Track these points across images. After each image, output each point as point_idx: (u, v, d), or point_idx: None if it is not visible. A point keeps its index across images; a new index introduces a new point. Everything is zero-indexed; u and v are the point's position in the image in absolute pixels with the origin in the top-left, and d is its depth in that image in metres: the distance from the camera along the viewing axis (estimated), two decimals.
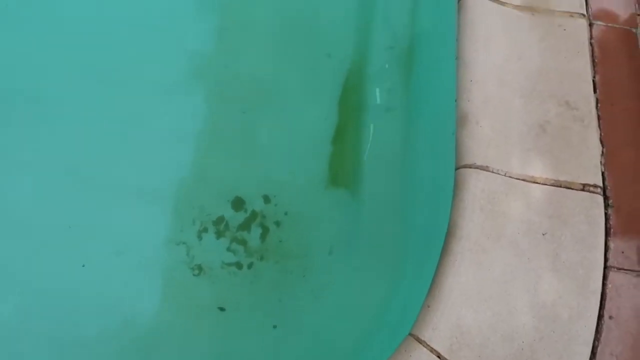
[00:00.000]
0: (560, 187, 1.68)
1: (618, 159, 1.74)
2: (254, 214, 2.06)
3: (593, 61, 1.92)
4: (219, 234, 2.03)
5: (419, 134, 2.16)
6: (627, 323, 1.51)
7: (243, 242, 2.02)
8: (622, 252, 1.60)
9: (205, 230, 2.03)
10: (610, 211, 1.66)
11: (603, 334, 1.49)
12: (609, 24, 2.01)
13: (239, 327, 1.91)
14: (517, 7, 2.01)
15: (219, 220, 2.05)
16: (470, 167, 1.69)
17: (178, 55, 2.33)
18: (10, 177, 2.08)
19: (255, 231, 2.04)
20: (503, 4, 2.01)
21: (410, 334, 1.47)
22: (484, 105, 1.80)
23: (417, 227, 1.96)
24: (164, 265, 1.98)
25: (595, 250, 1.59)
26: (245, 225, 2.05)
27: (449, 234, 1.60)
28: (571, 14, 2.01)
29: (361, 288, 1.94)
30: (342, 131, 2.22)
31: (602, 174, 1.71)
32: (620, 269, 1.58)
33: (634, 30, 2.00)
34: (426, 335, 1.46)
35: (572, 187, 1.68)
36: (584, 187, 1.68)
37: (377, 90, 2.31)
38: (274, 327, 1.90)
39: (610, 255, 1.59)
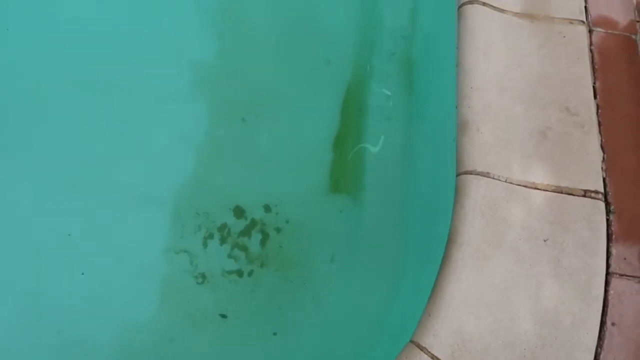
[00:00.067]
0: (562, 193, 1.68)
1: (619, 165, 1.73)
2: (254, 222, 2.06)
3: (593, 67, 1.92)
4: (221, 240, 2.03)
5: (420, 140, 2.16)
6: (630, 330, 1.49)
7: (244, 249, 2.01)
8: (625, 259, 1.59)
9: (208, 237, 2.03)
10: (612, 217, 1.65)
11: (605, 341, 1.47)
12: (609, 31, 2.01)
13: (239, 334, 1.90)
14: (516, 14, 2.02)
15: (221, 228, 2.04)
16: (471, 174, 1.69)
17: (179, 63, 2.34)
18: (10, 183, 2.08)
19: (256, 238, 2.03)
20: (503, 11, 2.02)
21: (412, 341, 1.46)
22: (484, 112, 1.80)
23: (418, 234, 1.95)
24: (164, 273, 1.97)
25: (597, 256, 1.58)
26: (245, 232, 2.04)
27: (449, 241, 1.60)
28: (571, 21, 2.01)
29: (362, 295, 1.93)
30: (343, 138, 2.22)
31: (604, 179, 1.70)
32: (622, 275, 1.56)
33: (633, 36, 2.00)
34: (427, 342, 1.45)
35: (574, 193, 1.68)
36: (586, 193, 1.67)
37: (378, 97, 2.31)
38: (274, 334, 1.89)
39: (612, 261, 1.58)
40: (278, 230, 2.05)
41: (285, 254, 2.01)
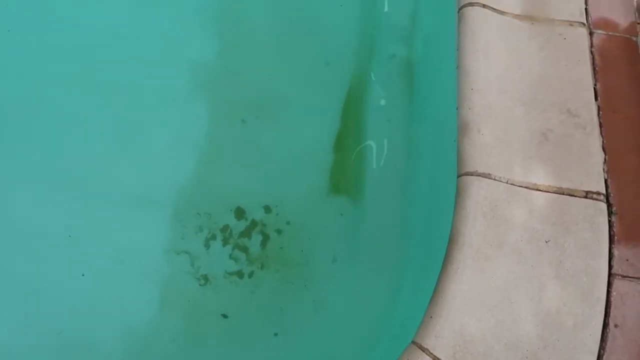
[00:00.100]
0: (563, 194, 1.68)
1: (621, 166, 1.73)
2: (254, 223, 2.06)
3: (594, 69, 1.92)
4: (224, 242, 2.02)
5: (421, 141, 2.16)
6: (633, 331, 1.49)
7: (244, 250, 2.01)
8: (627, 260, 1.59)
9: (211, 238, 2.02)
10: (613, 218, 1.65)
11: (608, 343, 1.47)
12: (609, 33, 2.01)
13: (240, 335, 1.90)
14: (517, 16, 2.02)
15: (223, 229, 2.04)
16: (472, 175, 1.69)
17: (179, 63, 2.33)
18: (9, 184, 2.07)
19: (256, 239, 2.03)
20: (503, 13, 2.02)
21: (413, 342, 1.46)
22: (485, 114, 1.80)
23: (419, 235, 1.95)
24: (165, 274, 1.97)
25: (599, 257, 1.58)
26: (246, 233, 2.04)
27: (451, 242, 1.59)
28: (571, 23, 2.01)
29: (363, 296, 1.93)
30: (344, 139, 2.22)
31: (605, 181, 1.70)
32: (624, 276, 1.56)
33: (634, 38, 2.01)
34: (429, 343, 1.45)
35: (575, 194, 1.68)
36: (587, 195, 1.67)
37: (379, 98, 2.31)
38: (275, 335, 1.88)
39: (614, 262, 1.58)
40: (279, 231, 2.04)
41: (285, 255, 2.01)
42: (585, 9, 2.05)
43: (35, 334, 1.87)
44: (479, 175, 1.69)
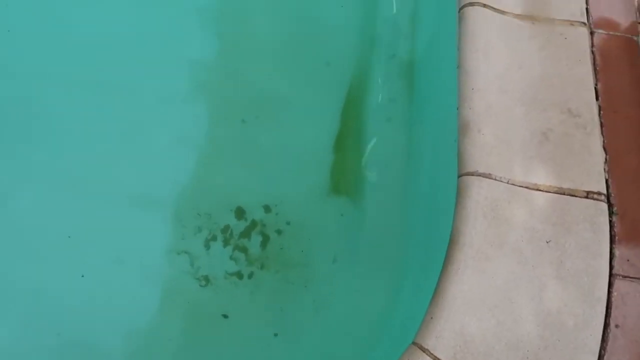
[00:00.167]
0: (564, 194, 1.67)
1: (622, 166, 1.73)
2: (254, 223, 2.05)
3: (595, 69, 1.92)
4: (224, 242, 2.02)
5: (421, 141, 2.16)
6: (634, 332, 1.49)
7: (244, 250, 2.01)
8: (628, 260, 1.58)
9: (211, 239, 2.02)
10: (614, 218, 1.64)
11: (609, 343, 1.47)
12: (610, 32, 2.01)
13: (240, 336, 1.90)
14: (517, 16, 2.02)
15: (224, 230, 2.04)
16: (473, 175, 1.68)
17: (179, 63, 2.33)
18: (9, 184, 2.07)
19: (256, 239, 2.03)
20: (503, 13, 2.01)
21: (414, 343, 1.45)
22: (485, 113, 1.80)
23: (420, 235, 1.95)
24: (165, 274, 1.97)
25: (600, 258, 1.58)
26: (246, 234, 2.04)
27: (451, 242, 1.59)
28: (572, 23, 2.01)
29: (363, 296, 1.93)
30: (344, 139, 2.22)
31: (606, 181, 1.70)
32: (625, 276, 1.56)
33: (635, 38, 2.00)
34: (430, 344, 1.44)
35: (576, 194, 1.67)
36: (588, 195, 1.67)
37: (379, 98, 2.31)
38: (275, 335, 1.88)
39: (615, 262, 1.57)
40: (279, 232, 2.04)
41: (286, 256, 2.00)
42: (586, 8, 2.05)
43: (35, 334, 1.87)
44: (480, 175, 1.68)
